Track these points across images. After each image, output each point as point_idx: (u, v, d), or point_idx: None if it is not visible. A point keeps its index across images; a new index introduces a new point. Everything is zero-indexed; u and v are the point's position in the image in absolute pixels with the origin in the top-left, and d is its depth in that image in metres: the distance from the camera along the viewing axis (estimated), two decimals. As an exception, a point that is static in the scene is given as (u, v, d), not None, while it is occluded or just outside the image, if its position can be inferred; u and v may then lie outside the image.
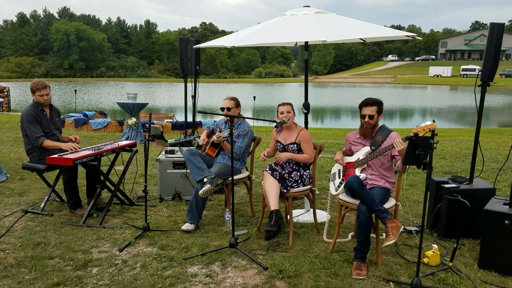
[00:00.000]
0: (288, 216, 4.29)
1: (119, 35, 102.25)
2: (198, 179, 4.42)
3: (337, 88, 55.42)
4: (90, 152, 4.59)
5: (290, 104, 4.45)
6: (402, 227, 3.68)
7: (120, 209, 5.13)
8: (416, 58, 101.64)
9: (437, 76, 72.03)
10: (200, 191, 4.29)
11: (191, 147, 4.91)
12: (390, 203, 3.87)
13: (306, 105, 4.83)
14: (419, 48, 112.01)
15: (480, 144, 4.34)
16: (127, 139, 11.13)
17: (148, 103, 11.63)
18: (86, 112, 16.83)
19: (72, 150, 4.66)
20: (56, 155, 4.42)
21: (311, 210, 4.55)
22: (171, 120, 15.09)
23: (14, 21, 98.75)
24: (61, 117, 14.83)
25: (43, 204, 4.92)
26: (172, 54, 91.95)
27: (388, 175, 3.95)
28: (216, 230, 4.49)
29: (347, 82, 71.66)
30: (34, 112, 4.80)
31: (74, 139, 5.08)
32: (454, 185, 4.25)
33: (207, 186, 4.30)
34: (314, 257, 3.86)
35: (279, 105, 4.47)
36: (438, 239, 4.30)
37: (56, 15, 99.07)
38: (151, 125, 4.25)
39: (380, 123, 4.03)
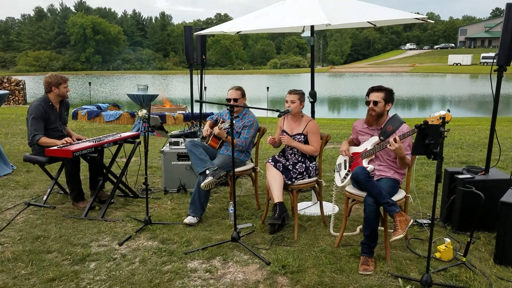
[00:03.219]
0: (294, 208, 4.13)
1: (134, 28, 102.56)
2: (200, 171, 4.28)
3: (354, 78, 54.68)
4: (90, 143, 4.49)
5: (298, 93, 4.22)
6: (412, 220, 3.48)
7: (124, 202, 5.04)
8: (435, 47, 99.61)
9: (457, 64, 70.42)
10: (202, 184, 4.15)
11: (194, 139, 4.78)
12: (399, 195, 3.67)
13: (313, 94, 4.64)
14: (438, 36, 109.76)
15: (497, 133, 4.10)
16: (137, 131, 11.09)
17: (158, 95, 11.54)
18: (100, 105, 16.85)
19: (66, 143, 4.54)
20: (55, 147, 4.33)
21: (318, 202, 4.38)
22: (184, 112, 15.02)
23: (31, 15, 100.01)
24: (75, 109, 15.01)
25: (45, 196, 4.85)
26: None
27: (397, 166, 3.74)
28: (220, 224, 4.36)
29: (364, 71, 70.66)
30: (43, 108, 4.71)
31: (80, 138, 4.96)
32: (468, 175, 4.02)
33: (209, 179, 4.16)
34: (319, 252, 3.70)
35: (288, 92, 4.28)
36: (452, 232, 4.09)
37: (73, 9, 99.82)
38: (151, 116, 4.12)
39: (392, 113, 3.83)
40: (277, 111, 3.98)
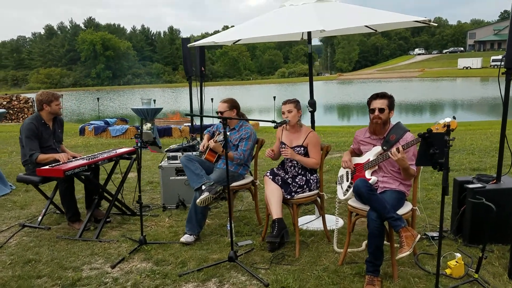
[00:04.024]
0: (295, 224, 3.92)
1: (144, 43, 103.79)
2: (196, 187, 4.11)
3: (362, 85, 54.37)
4: (83, 162, 4.34)
5: (293, 102, 4.03)
6: (419, 236, 3.25)
7: (121, 220, 4.87)
8: (444, 51, 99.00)
9: (466, 68, 69.73)
10: (198, 200, 3.97)
11: (190, 153, 4.61)
12: (405, 209, 3.45)
13: (312, 103, 4.45)
14: (447, 40, 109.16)
15: (508, 137, 3.86)
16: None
17: (162, 108, 11.44)
18: (108, 120, 16.84)
19: (65, 160, 4.43)
20: (47, 166, 4.20)
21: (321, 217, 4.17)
22: (189, 124, 14.91)
23: (42, 33, 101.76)
24: (82, 125, 15.00)
25: (40, 217, 4.71)
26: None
27: (402, 177, 3.52)
28: (218, 242, 4.16)
29: (372, 78, 70.31)
30: (34, 126, 4.59)
31: (76, 157, 4.84)
32: (479, 185, 3.78)
33: (205, 194, 3.98)
34: (322, 271, 3.48)
35: (282, 103, 4.09)
36: (463, 246, 3.84)
37: (82, 26, 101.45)
38: (143, 132, 3.97)
39: (395, 121, 3.62)
40: (273, 122, 3.79)
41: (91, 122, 16.06)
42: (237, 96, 4.63)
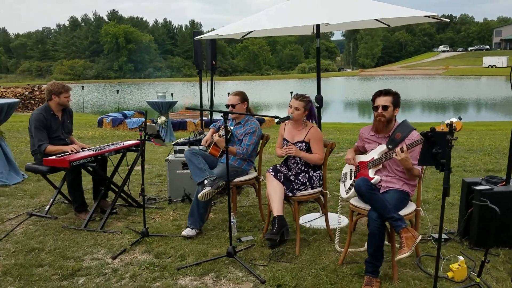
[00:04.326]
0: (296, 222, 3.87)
1: (165, 36, 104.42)
2: (199, 181, 4.09)
3: (385, 81, 53.67)
4: (89, 153, 4.38)
5: (305, 100, 3.93)
6: (420, 237, 3.18)
7: (127, 212, 4.91)
8: (469, 48, 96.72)
9: (492, 66, 68.01)
10: (199, 194, 3.96)
11: (194, 147, 4.60)
12: (408, 209, 3.37)
13: (319, 99, 4.38)
14: (472, 37, 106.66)
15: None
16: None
17: (176, 102, 11.49)
18: (126, 112, 17.02)
19: (73, 151, 4.47)
20: (53, 157, 4.25)
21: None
22: (206, 118, 14.96)
23: (66, 25, 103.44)
24: (100, 117, 15.20)
25: (48, 207, 4.78)
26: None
27: (407, 177, 3.43)
28: (220, 236, 4.15)
29: (395, 74, 69.24)
30: (43, 117, 4.64)
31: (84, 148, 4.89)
32: (487, 186, 3.67)
33: (206, 189, 3.97)
34: (320, 270, 3.43)
35: (294, 97, 4.02)
36: (469, 249, 3.74)
37: (106, 18, 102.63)
38: (147, 124, 3.97)
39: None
40: (276, 117, 3.74)
41: (110, 114, 16.26)
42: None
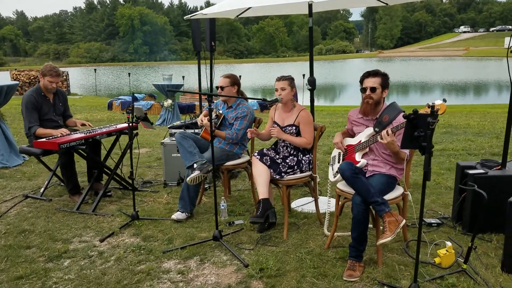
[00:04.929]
0: (290, 205, 3.82)
1: (180, 18, 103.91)
2: (188, 165, 4.06)
3: (403, 63, 52.69)
4: (79, 135, 4.38)
5: (288, 79, 3.88)
6: (404, 221, 3.10)
7: (121, 195, 4.93)
8: (491, 29, 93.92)
9: (513, 46, 65.95)
10: (188, 178, 3.93)
11: (187, 130, 4.55)
12: (395, 193, 3.28)
13: (312, 81, 4.28)
14: (495, 18, 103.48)
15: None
16: (163, 121, 11.06)
17: (183, 84, 11.43)
18: (136, 95, 17.04)
19: (63, 134, 4.47)
20: (43, 139, 4.26)
21: (319, 198, 4.05)
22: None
23: (82, 7, 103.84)
24: (110, 100, 15.26)
25: (42, 189, 4.82)
26: (231, 34, 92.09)
27: (394, 160, 3.34)
28: (210, 220, 4.13)
29: (414, 56, 67.89)
30: (34, 98, 4.63)
31: (85, 124, 4.91)
32: (481, 170, 3.55)
33: (195, 173, 3.94)
34: (305, 254, 3.38)
35: (276, 79, 3.93)
36: (461, 234, 3.65)
37: (121, 0, 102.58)
38: (135, 107, 3.94)
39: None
40: (264, 100, 3.66)
41: (120, 97, 16.30)
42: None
